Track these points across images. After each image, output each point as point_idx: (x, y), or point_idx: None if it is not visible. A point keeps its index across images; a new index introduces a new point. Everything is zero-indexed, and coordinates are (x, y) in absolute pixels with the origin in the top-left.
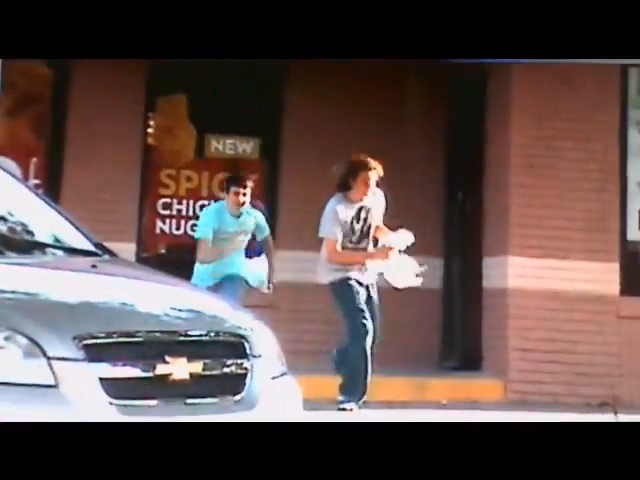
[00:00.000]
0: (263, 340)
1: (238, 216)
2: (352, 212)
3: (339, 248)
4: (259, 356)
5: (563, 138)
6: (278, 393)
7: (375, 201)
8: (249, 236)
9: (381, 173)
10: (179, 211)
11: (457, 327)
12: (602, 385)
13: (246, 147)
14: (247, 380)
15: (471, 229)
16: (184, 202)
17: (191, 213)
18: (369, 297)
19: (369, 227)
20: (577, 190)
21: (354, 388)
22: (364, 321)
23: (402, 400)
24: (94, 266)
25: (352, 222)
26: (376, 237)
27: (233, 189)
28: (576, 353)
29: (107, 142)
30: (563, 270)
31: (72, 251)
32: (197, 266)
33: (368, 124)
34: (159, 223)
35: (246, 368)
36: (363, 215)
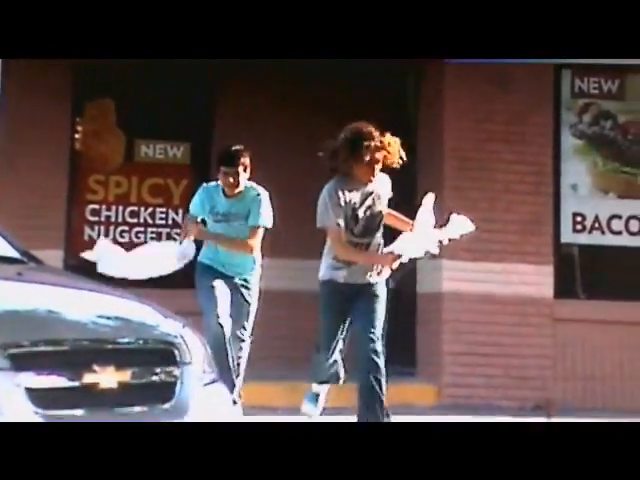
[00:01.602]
0: (193, 347)
1: (232, 196)
2: (356, 198)
3: (344, 239)
4: (189, 363)
5: (497, 140)
6: (209, 400)
7: (382, 186)
8: (245, 221)
9: (393, 150)
10: (108, 217)
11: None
12: (536, 388)
13: (176, 152)
14: (177, 388)
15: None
16: (113, 208)
17: (120, 219)
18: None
19: (376, 218)
20: (511, 192)
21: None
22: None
23: (340, 405)
24: (20, 274)
25: (355, 210)
26: (395, 227)
27: (222, 169)
28: (510, 356)
29: (34, 147)
30: (497, 273)
31: None
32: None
33: (301, 128)
34: (87, 230)
35: (175, 376)
36: (369, 203)
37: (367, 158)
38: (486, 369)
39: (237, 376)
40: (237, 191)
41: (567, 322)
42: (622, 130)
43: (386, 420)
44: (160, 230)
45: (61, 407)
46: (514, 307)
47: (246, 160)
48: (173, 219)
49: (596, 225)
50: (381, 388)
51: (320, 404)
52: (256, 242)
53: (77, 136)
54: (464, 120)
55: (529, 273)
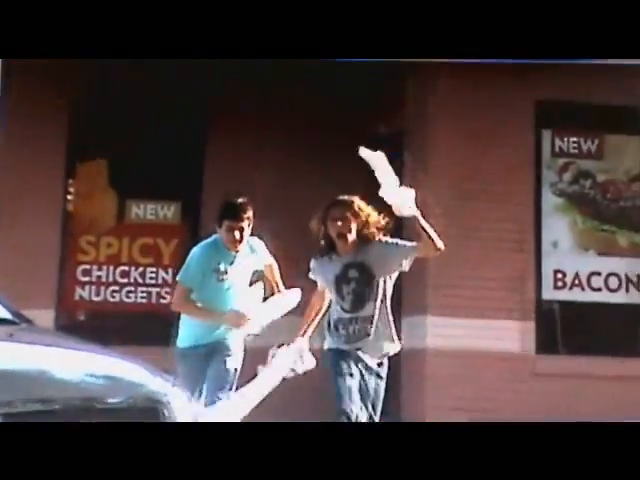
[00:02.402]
0: (179, 405)
1: (236, 251)
2: (337, 270)
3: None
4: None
5: (482, 199)
6: None
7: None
8: (250, 275)
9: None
10: (99, 277)
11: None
12: None
13: (167, 212)
14: None
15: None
16: (104, 268)
17: (111, 279)
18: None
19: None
20: (495, 250)
21: None
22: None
23: None
24: (11, 335)
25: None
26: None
27: (227, 223)
28: (493, 412)
29: (26, 208)
30: (480, 329)
31: None
32: (183, 321)
33: (289, 185)
34: (78, 289)
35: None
36: (353, 275)
37: (333, 232)
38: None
39: None
40: (239, 247)
41: (547, 377)
42: (601, 189)
43: None
44: (150, 290)
45: None
46: (496, 362)
47: (250, 214)
48: (163, 278)
49: (576, 282)
50: None
51: None
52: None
53: (69, 197)
54: (448, 179)
55: (511, 329)
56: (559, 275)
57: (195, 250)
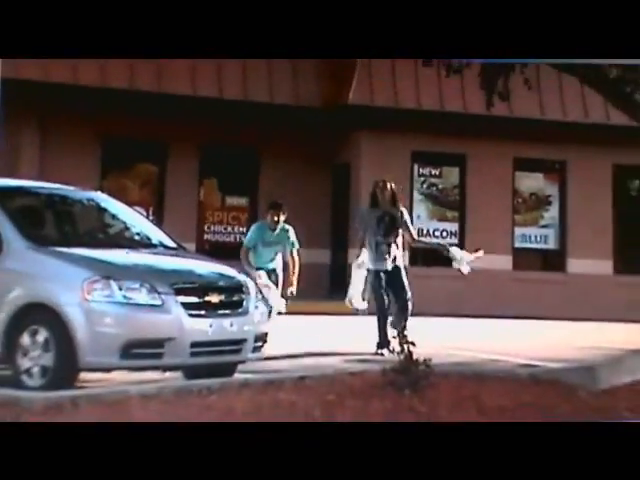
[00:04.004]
0: (250, 286)
1: (274, 230)
2: (378, 214)
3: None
4: (249, 292)
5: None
6: (258, 310)
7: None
8: (282, 246)
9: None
10: (215, 230)
11: None
12: None
13: (241, 202)
14: (244, 302)
15: None
16: (216, 225)
17: (218, 230)
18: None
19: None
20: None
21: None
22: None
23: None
24: (176, 254)
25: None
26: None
27: (271, 212)
28: None
29: None
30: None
31: (166, 247)
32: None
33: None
34: (205, 235)
35: (243, 298)
36: (386, 219)
37: (380, 195)
38: None
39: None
40: (278, 227)
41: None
42: (440, 192)
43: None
44: (236, 236)
45: (195, 310)
46: None
47: (284, 209)
48: (242, 232)
49: (428, 233)
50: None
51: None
52: (296, 256)
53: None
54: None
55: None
56: (422, 231)
57: (252, 226)
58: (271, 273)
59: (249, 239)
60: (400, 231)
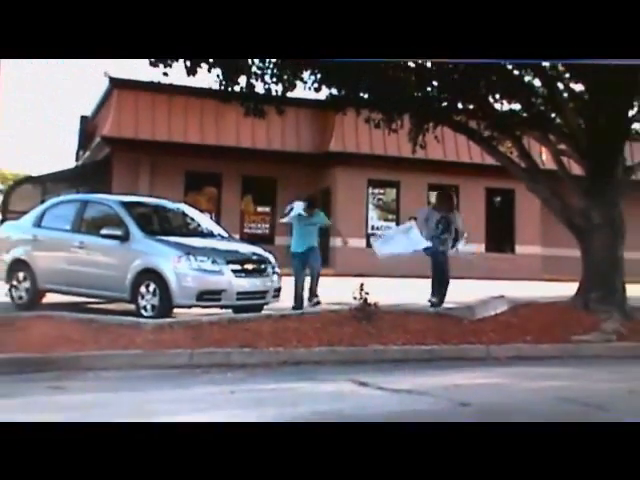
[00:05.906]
0: (272, 261)
1: (310, 215)
2: (438, 217)
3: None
4: (269, 263)
5: None
6: (275, 274)
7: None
8: (317, 226)
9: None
10: (250, 226)
11: None
12: None
13: (266, 208)
14: (268, 270)
15: None
16: (252, 224)
17: (253, 227)
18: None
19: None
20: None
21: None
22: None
23: None
24: (228, 240)
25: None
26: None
27: (306, 203)
28: None
29: None
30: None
31: (222, 236)
32: (292, 241)
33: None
34: (245, 229)
35: (267, 267)
36: (444, 221)
37: (439, 202)
38: None
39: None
40: (312, 213)
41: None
42: (384, 204)
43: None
44: (264, 231)
45: (239, 274)
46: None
47: (315, 203)
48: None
49: (377, 230)
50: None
51: None
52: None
53: (242, 206)
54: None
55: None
56: (374, 229)
57: (293, 211)
58: (315, 251)
59: (291, 217)
60: (452, 227)
